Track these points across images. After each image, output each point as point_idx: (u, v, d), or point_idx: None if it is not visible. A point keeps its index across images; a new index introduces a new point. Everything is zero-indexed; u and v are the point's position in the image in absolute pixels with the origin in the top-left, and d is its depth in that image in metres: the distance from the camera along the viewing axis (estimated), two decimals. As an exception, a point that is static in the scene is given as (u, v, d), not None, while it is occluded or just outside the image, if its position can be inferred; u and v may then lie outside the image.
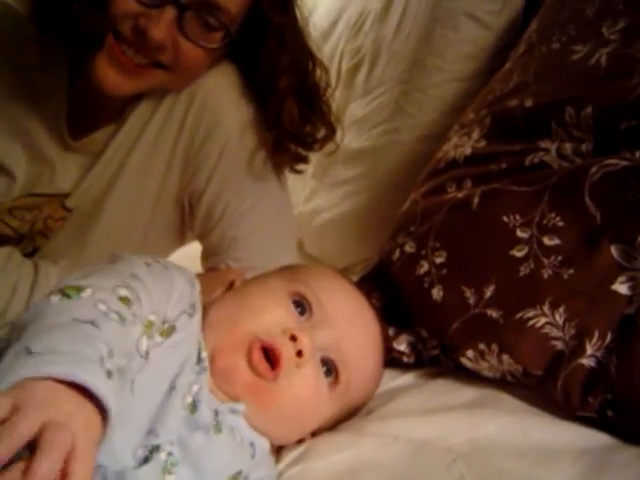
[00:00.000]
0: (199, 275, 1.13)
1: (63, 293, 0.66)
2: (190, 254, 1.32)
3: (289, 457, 0.86)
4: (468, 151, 1.11)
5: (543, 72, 1.09)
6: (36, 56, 1.09)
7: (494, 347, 0.94)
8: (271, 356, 0.80)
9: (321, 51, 1.21)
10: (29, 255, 1.21)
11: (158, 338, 0.74)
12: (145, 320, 0.70)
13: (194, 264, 1.21)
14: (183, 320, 0.77)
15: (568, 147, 0.98)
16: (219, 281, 0.97)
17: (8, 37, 1.10)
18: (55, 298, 0.66)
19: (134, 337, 0.68)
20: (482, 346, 0.95)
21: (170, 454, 0.70)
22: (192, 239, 1.31)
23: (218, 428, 0.74)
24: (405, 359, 1.06)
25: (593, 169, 0.93)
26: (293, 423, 0.84)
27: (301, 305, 0.86)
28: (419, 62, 1.48)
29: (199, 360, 0.77)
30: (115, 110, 1.14)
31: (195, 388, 0.74)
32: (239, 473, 0.75)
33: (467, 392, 0.97)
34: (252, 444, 0.79)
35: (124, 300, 0.68)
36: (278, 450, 0.87)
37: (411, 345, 1.05)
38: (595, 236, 0.91)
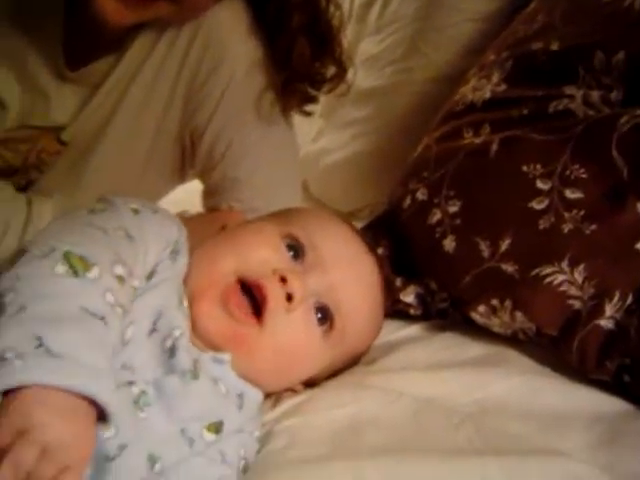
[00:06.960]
0: (195, 216, 1.10)
1: (69, 264, 0.63)
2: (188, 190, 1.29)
3: (286, 405, 0.82)
4: (487, 95, 1.06)
5: (571, 13, 1.03)
6: None
7: (507, 303, 0.91)
8: (257, 297, 0.75)
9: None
10: (22, 189, 1.17)
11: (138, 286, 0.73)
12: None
13: (194, 202, 1.19)
14: (165, 264, 0.74)
15: (596, 95, 0.94)
16: (212, 224, 0.93)
17: None
18: (61, 269, 0.63)
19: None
20: (495, 301, 0.92)
21: (144, 392, 0.67)
22: (192, 177, 1.27)
23: (195, 374, 0.70)
24: (412, 311, 1.03)
25: (622, 119, 0.89)
26: (281, 373, 0.80)
27: (294, 249, 0.80)
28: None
29: (180, 305, 0.74)
30: (114, 40, 1.08)
31: (177, 333, 0.71)
32: (220, 424, 0.71)
33: (475, 348, 0.95)
34: (240, 395, 0.75)
35: (120, 279, 0.66)
36: (270, 395, 0.83)
37: (419, 297, 1.02)
38: (621, 191, 0.88)
